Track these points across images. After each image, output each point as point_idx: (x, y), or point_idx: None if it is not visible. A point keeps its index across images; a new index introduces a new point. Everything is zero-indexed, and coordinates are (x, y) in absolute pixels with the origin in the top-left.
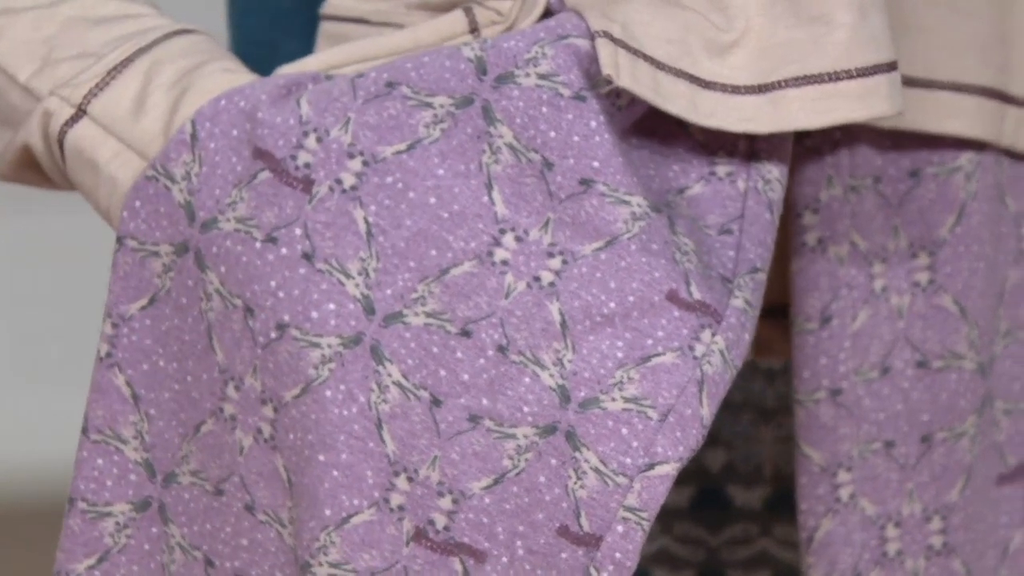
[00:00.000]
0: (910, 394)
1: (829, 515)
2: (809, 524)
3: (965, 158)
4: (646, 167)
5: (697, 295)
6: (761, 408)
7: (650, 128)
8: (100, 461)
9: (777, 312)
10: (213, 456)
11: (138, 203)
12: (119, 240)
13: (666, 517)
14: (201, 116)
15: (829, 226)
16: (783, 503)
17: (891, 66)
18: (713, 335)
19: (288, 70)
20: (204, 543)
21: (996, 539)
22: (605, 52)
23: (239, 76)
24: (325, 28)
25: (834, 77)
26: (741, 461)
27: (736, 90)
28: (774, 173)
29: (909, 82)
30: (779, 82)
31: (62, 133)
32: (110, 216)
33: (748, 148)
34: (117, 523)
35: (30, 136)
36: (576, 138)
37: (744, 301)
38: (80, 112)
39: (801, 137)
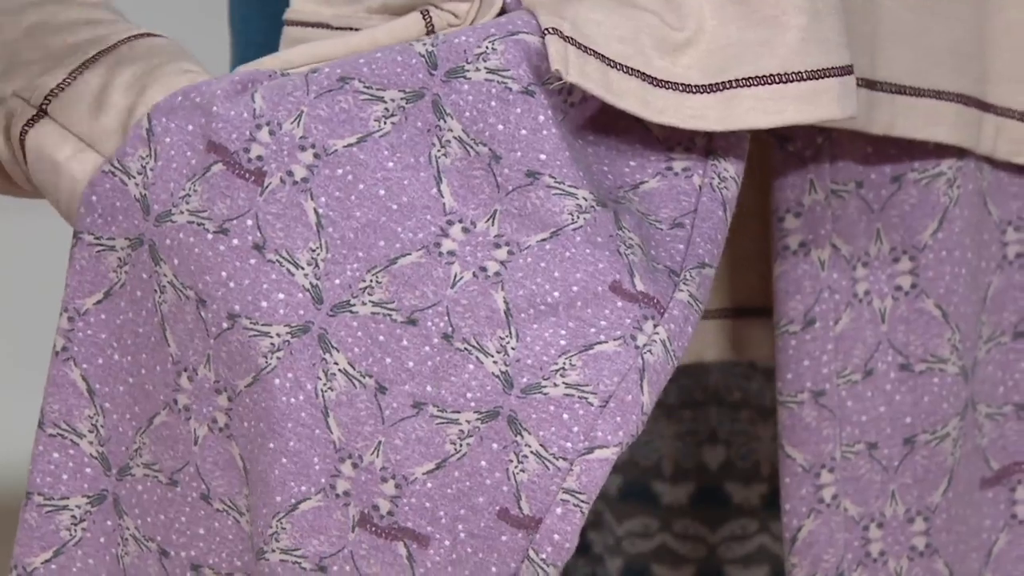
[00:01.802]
0: (893, 397)
1: (812, 515)
2: (792, 524)
3: (947, 164)
4: (600, 163)
5: (640, 286)
6: (759, 407)
7: (606, 124)
8: (56, 455)
9: (760, 313)
10: (167, 447)
11: (94, 198)
12: (76, 235)
13: (666, 514)
14: (157, 111)
15: (811, 230)
16: None
17: (844, 70)
18: (655, 326)
19: (246, 69)
20: (158, 534)
21: (979, 542)
22: (554, 48)
23: (197, 76)
24: (288, 33)
25: (784, 78)
26: (739, 459)
27: (688, 88)
28: (730, 171)
29: (894, 89)
30: (730, 81)
31: (23, 133)
32: (70, 215)
33: (706, 145)
34: (73, 516)
35: None
36: (524, 131)
37: (689, 295)
38: (41, 112)
39: (783, 142)
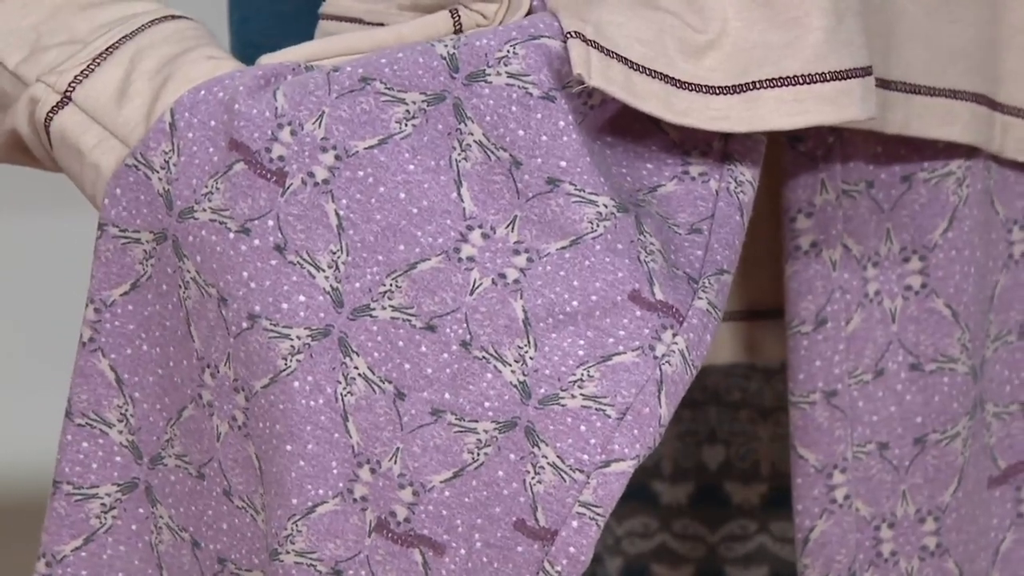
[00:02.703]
0: (903, 396)
1: (824, 516)
2: (804, 525)
3: (956, 164)
4: (619, 165)
5: (660, 295)
6: (759, 406)
7: (624, 126)
8: (85, 444)
9: (771, 315)
10: (195, 440)
11: (119, 191)
12: (101, 227)
13: (665, 514)
14: (180, 106)
15: (822, 230)
16: (780, 500)
17: (865, 71)
18: (674, 335)
19: (271, 60)
20: (190, 525)
21: (988, 541)
22: (576, 52)
23: (222, 64)
24: (323, 27)
25: (808, 79)
26: (739, 458)
27: (711, 90)
28: (746, 175)
29: (909, 88)
30: (753, 83)
31: (48, 119)
32: (95, 201)
33: (722, 149)
34: (103, 504)
35: (17, 121)
36: (544, 137)
37: (708, 303)
38: (65, 99)
39: (795, 142)
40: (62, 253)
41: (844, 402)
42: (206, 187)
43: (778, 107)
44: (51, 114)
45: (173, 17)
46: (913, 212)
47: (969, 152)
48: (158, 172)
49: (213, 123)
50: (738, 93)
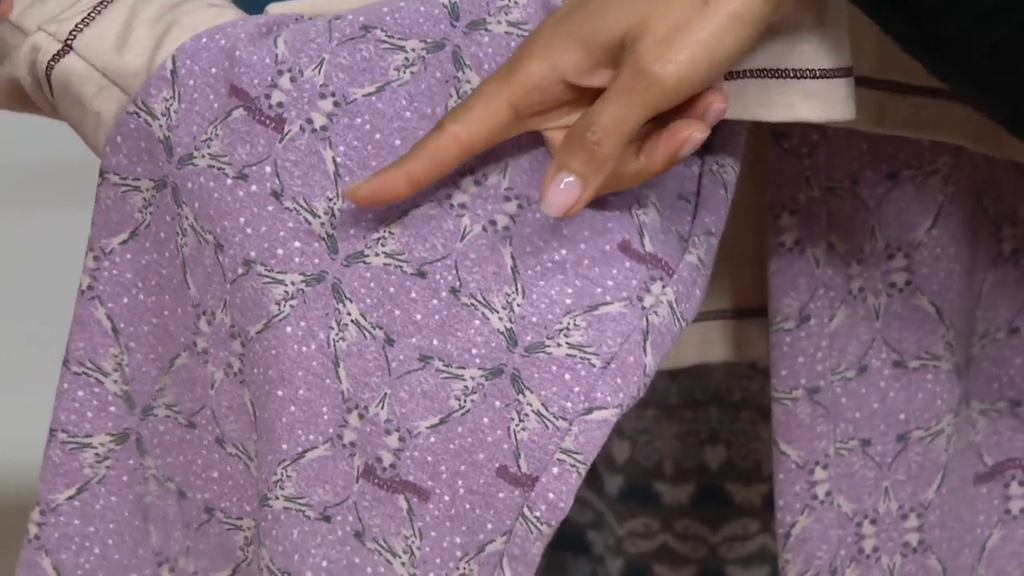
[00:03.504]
0: (887, 393)
1: (806, 512)
2: (786, 521)
3: (942, 162)
4: None
5: (650, 247)
6: (760, 407)
7: None
8: (81, 393)
9: (759, 313)
10: (187, 389)
11: (119, 138)
12: (101, 174)
13: (667, 514)
14: (182, 53)
15: (806, 227)
16: None
17: (847, 71)
18: (663, 287)
19: (277, 9)
20: (177, 474)
21: (973, 538)
22: None
23: (224, 12)
24: None
25: (798, 74)
26: (740, 459)
27: None
28: (727, 159)
29: (909, 89)
30: (741, 72)
31: (49, 68)
32: (96, 149)
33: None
34: (97, 454)
35: (17, 69)
36: None
37: (697, 258)
38: (66, 47)
39: (779, 139)
40: (62, 253)
41: (827, 399)
42: (206, 133)
43: (763, 100)
44: (52, 62)
45: None
46: (898, 209)
47: (956, 150)
48: (159, 119)
49: (214, 70)
50: (727, 80)
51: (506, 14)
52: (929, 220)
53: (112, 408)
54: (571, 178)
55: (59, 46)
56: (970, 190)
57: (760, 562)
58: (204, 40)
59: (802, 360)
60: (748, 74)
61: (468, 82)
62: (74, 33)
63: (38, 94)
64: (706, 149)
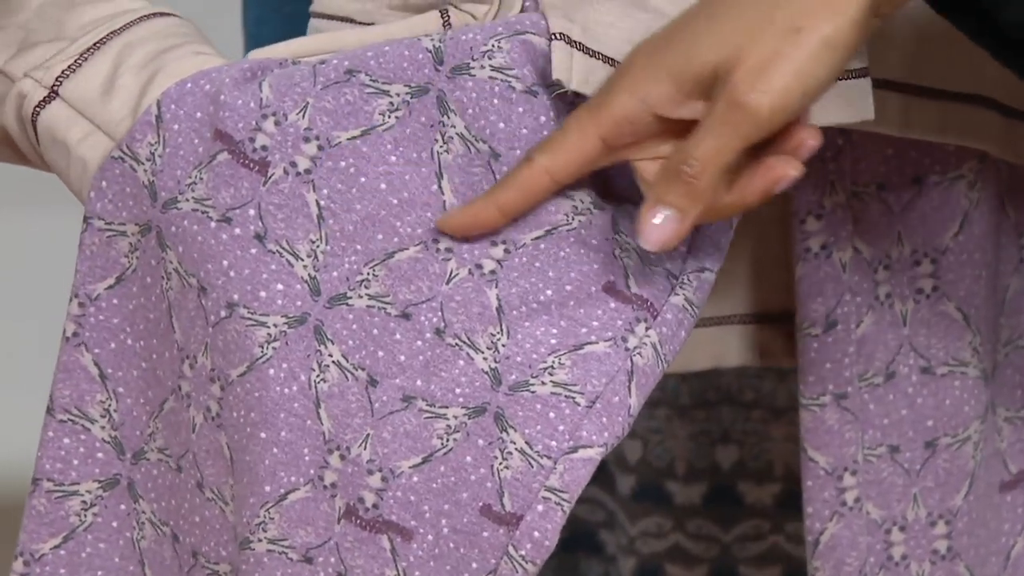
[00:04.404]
0: (914, 400)
1: (835, 518)
2: (815, 527)
3: (967, 167)
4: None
5: (635, 288)
6: (772, 407)
7: None
8: (67, 440)
9: (780, 318)
10: (174, 433)
11: (104, 183)
12: (85, 220)
13: (679, 514)
14: (167, 98)
15: (833, 232)
16: (794, 500)
17: (860, 72)
18: (647, 329)
19: (259, 55)
20: (171, 518)
21: (999, 546)
22: (559, 55)
23: (210, 59)
24: (314, 25)
25: None
26: (752, 459)
27: None
28: None
29: (925, 93)
30: None
31: (35, 114)
32: (80, 195)
33: None
34: (83, 501)
35: (5, 117)
36: (525, 131)
37: (684, 299)
38: (52, 94)
39: None
40: (60, 252)
41: (854, 405)
42: (190, 178)
43: None
44: (38, 109)
45: (161, 14)
46: (924, 215)
47: (981, 155)
48: (144, 164)
49: (199, 115)
50: None
51: (489, 59)
52: (955, 226)
53: (100, 454)
54: (669, 212)
55: (45, 92)
56: (995, 196)
57: (772, 562)
58: (189, 85)
59: (829, 366)
60: None
61: (453, 127)
62: (60, 80)
63: (24, 142)
64: None
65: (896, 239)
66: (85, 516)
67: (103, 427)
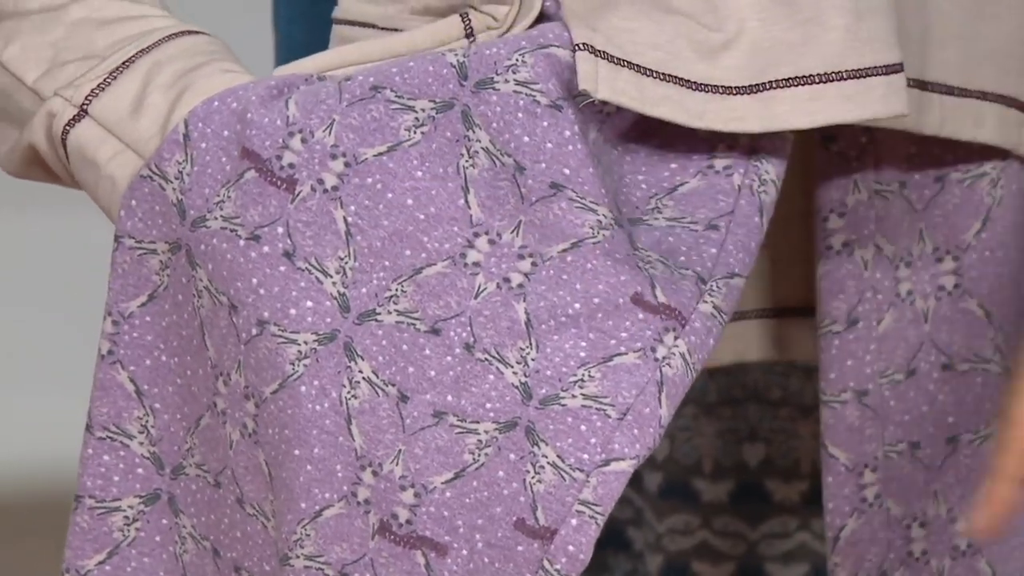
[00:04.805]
0: (935, 396)
1: (855, 515)
2: (835, 523)
3: (990, 165)
4: (637, 170)
5: (662, 298)
6: (799, 404)
7: (648, 128)
8: (106, 457)
9: (801, 313)
10: (211, 449)
11: (134, 202)
12: (117, 239)
13: (706, 511)
14: (194, 116)
15: (855, 229)
16: (821, 498)
17: (890, 68)
18: (676, 338)
19: (285, 71)
20: (211, 533)
21: (1021, 541)
22: (584, 66)
23: (237, 77)
24: (337, 31)
25: (825, 78)
26: (779, 456)
27: (727, 91)
28: (771, 173)
29: (944, 89)
30: (770, 83)
31: (65, 133)
32: (110, 213)
33: (749, 144)
34: (126, 517)
35: (34, 135)
36: (549, 145)
37: (713, 307)
38: (82, 112)
39: (827, 142)
40: (62, 252)
41: (875, 401)
42: (218, 196)
43: (795, 106)
44: (68, 127)
45: (190, 32)
46: (946, 212)
47: (1004, 153)
48: (172, 183)
49: (226, 133)
50: (755, 93)
51: (514, 73)
52: (978, 223)
53: (140, 470)
54: None
55: (75, 111)
56: (1018, 194)
57: (799, 559)
58: (216, 103)
59: (851, 363)
60: (776, 84)
61: (478, 141)
62: (89, 98)
63: (54, 160)
64: (752, 153)
65: (918, 236)
66: (128, 531)
67: (141, 443)
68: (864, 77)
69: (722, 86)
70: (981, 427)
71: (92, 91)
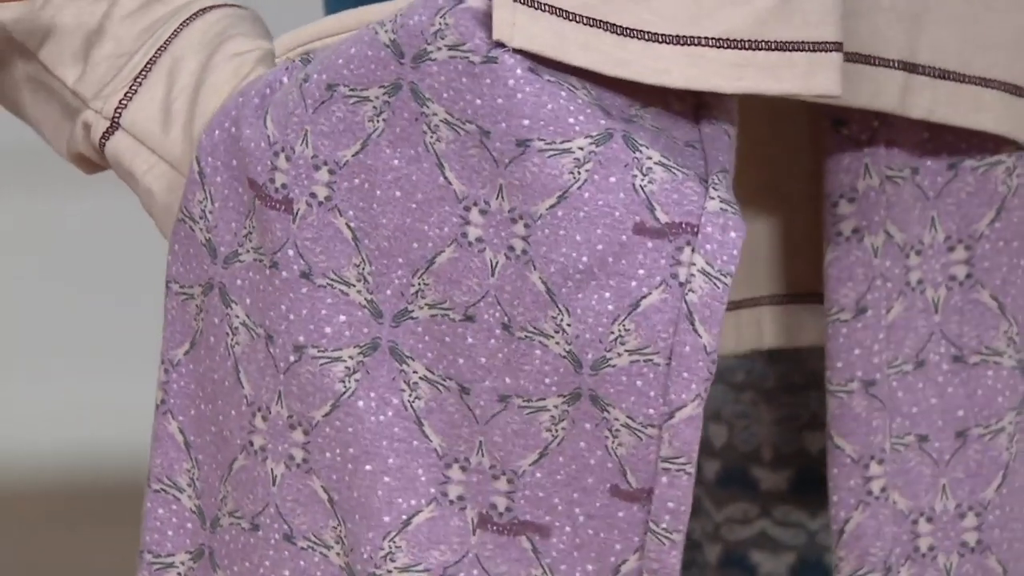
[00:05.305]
0: (945, 389)
1: (860, 508)
2: (840, 516)
3: (1006, 152)
4: (608, 91)
5: (664, 218)
6: None
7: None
8: (161, 511)
9: (810, 299)
10: (246, 492)
11: (177, 246)
12: (167, 285)
13: (765, 500)
14: (203, 152)
15: (865, 216)
16: None
17: (820, 46)
18: (693, 252)
19: (286, 40)
20: None
21: None
22: (500, 14)
23: (244, 62)
24: None
25: (752, 46)
26: None
27: (655, 37)
28: (723, 117)
29: (937, 73)
30: (700, 38)
31: (101, 145)
32: (157, 223)
33: (696, 100)
34: (179, 574)
35: (79, 145)
36: (500, 100)
37: (720, 200)
38: (114, 124)
39: (838, 125)
40: (63, 237)
41: (883, 392)
42: (245, 228)
43: (721, 70)
44: (103, 140)
45: (204, 10)
46: (959, 200)
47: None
48: (198, 223)
49: (234, 162)
50: (683, 45)
51: (442, 38)
52: (992, 212)
53: (189, 524)
54: None
55: (107, 123)
56: None
57: None
58: (216, 132)
59: (858, 352)
60: (704, 42)
61: (435, 115)
62: (119, 110)
63: (102, 161)
64: (701, 108)
65: (930, 224)
66: None
67: (190, 496)
68: (788, 51)
69: (650, 32)
70: (992, 421)
71: (120, 102)
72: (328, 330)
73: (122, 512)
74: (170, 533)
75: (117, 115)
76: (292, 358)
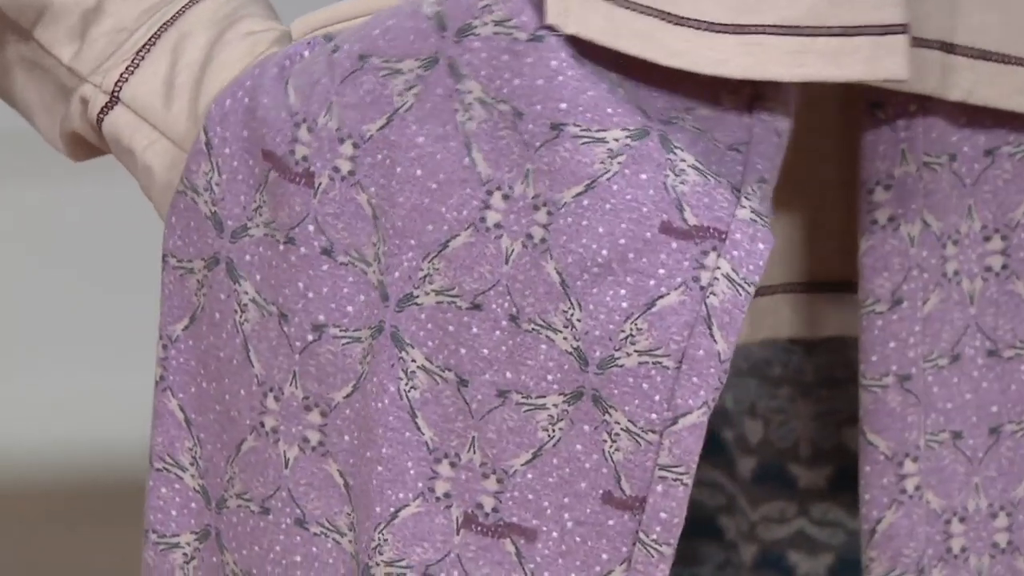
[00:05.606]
0: (979, 384)
1: (893, 507)
2: (872, 515)
3: None
4: (648, 91)
5: (692, 219)
6: None
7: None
8: (164, 490)
9: (834, 287)
10: (256, 474)
11: (174, 219)
12: (163, 258)
13: (803, 498)
14: (211, 122)
15: (901, 204)
16: None
17: (884, 29)
18: (718, 257)
19: (300, 25)
20: (253, 567)
21: None
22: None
23: (259, 40)
24: None
25: (811, 32)
26: None
27: (711, 27)
28: (779, 108)
29: (977, 54)
30: (757, 26)
31: (99, 120)
32: (154, 203)
33: (752, 91)
34: (185, 554)
35: (74, 123)
36: (540, 82)
37: (751, 210)
38: (114, 99)
39: (874, 108)
40: (62, 225)
41: (918, 387)
42: (255, 201)
43: (780, 58)
44: (101, 115)
45: None
46: (996, 188)
47: None
48: (203, 195)
49: (245, 133)
50: (740, 34)
51: (490, 13)
52: None
53: (193, 504)
54: None
55: (106, 98)
56: None
57: None
58: (228, 102)
59: (894, 345)
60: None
61: (470, 92)
62: (120, 84)
63: (99, 142)
64: (755, 99)
65: (967, 213)
66: (187, 569)
67: (193, 475)
68: (851, 36)
69: (706, 21)
70: None
71: (121, 75)
72: (350, 309)
73: (122, 512)
74: (174, 512)
75: (117, 89)
76: (310, 337)
